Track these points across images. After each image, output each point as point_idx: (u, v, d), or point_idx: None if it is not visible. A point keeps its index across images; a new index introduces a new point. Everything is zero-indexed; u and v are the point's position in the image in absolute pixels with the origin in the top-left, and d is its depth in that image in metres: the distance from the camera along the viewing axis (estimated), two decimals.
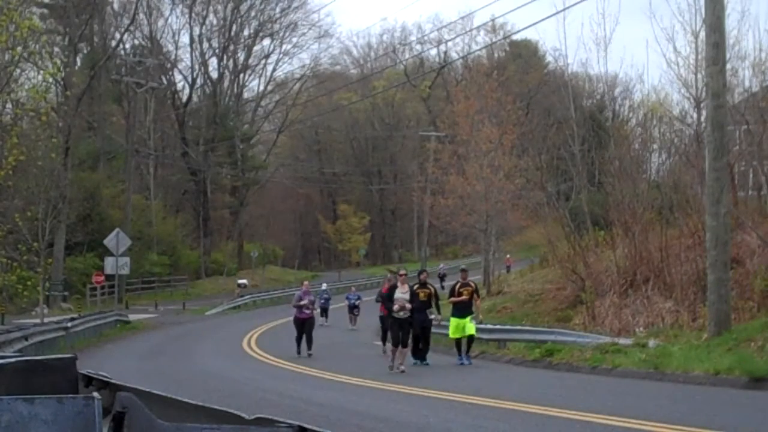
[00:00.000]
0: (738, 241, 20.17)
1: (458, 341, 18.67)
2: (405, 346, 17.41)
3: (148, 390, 3.36)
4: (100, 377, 3.75)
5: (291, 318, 40.30)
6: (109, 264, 35.60)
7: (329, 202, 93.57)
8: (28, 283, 25.89)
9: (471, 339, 18.69)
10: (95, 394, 3.26)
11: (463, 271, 20.04)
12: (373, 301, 35.87)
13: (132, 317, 35.90)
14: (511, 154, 38.19)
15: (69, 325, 24.38)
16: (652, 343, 16.53)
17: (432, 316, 18.46)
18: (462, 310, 18.64)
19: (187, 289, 57.91)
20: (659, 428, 8.70)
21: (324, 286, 37.35)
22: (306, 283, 22.89)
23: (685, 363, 14.15)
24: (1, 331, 19.45)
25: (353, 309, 33.67)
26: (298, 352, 21.34)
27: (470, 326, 18.57)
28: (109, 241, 35.07)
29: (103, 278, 41.27)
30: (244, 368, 18.87)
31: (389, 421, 10.12)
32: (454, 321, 18.74)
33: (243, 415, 2.85)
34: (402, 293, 17.68)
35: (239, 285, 56.13)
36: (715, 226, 16.39)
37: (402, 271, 19.50)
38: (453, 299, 18.86)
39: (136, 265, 45.72)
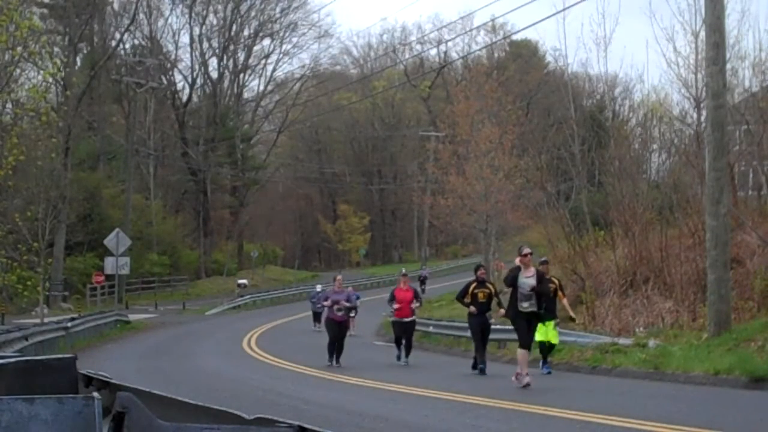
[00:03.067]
0: (738, 241, 20.17)
1: (542, 345, 15.89)
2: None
3: (148, 390, 3.36)
4: (100, 377, 3.75)
5: (291, 318, 39.95)
6: (109, 264, 35.60)
7: (329, 202, 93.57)
8: (28, 283, 25.88)
9: (552, 347, 16.16)
10: (95, 394, 3.26)
11: (544, 263, 16.47)
12: (373, 301, 35.83)
13: (132, 317, 35.88)
14: (511, 154, 38.16)
15: (69, 325, 24.37)
16: (652, 343, 16.53)
17: (491, 320, 16.74)
18: (546, 309, 15.24)
19: (187, 289, 57.90)
20: (659, 428, 8.70)
21: (318, 288, 34.65)
22: (339, 278, 19.54)
23: (685, 363, 14.15)
24: (1, 331, 19.44)
25: (350, 312, 31.93)
26: (331, 361, 18.31)
27: (553, 333, 15.90)
28: (109, 241, 35.06)
29: (103, 278, 41.28)
30: (244, 368, 18.86)
31: (389, 421, 10.12)
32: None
33: (243, 415, 2.85)
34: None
35: (239, 285, 56.12)
36: (715, 226, 16.39)
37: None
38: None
39: (136, 265, 45.71)
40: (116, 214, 51.83)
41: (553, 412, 10.09)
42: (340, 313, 18.14)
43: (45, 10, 52.63)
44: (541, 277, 13.41)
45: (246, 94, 78.22)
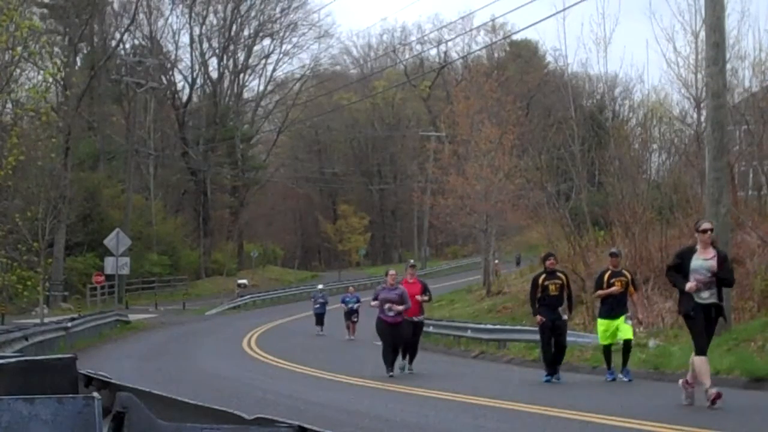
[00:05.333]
0: (738, 241, 20.18)
1: (608, 349, 14.08)
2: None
3: (148, 390, 3.36)
4: (100, 377, 3.75)
5: (291, 318, 39.86)
6: (109, 264, 35.62)
7: (329, 202, 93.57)
8: (28, 283, 25.89)
9: (628, 345, 13.91)
10: (95, 394, 3.25)
11: (614, 255, 14.34)
12: (372, 302, 35.62)
13: (132, 317, 35.89)
14: (511, 154, 38.21)
15: (69, 325, 24.38)
16: (652, 343, 16.52)
17: (565, 317, 14.53)
18: (613, 307, 13.93)
19: (187, 289, 57.90)
20: (659, 428, 8.70)
21: (320, 287, 32.76)
22: (392, 273, 16.38)
23: (685, 363, 14.13)
24: (1, 331, 19.46)
25: (351, 315, 28.32)
26: (390, 371, 15.42)
27: (625, 328, 13.91)
28: (109, 241, 35.07)
29: (103, 278, 41.28)
30: (244, 368, 18.86)
31: (389, 421, 10.11)
32: (603, 323, 14.10)
33: (243, 415, 2.85)
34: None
35: (239, 285, 56.14)
36: (715, 226, 16.38)
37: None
38: (600, 292, 14.03)
39: (136, 265, 45.72)
40: (116, 214, 51.83)
41: (553, 412, 10.09)
42: (391, 314, 15.52)
43: (45, 10, 52.64)
44: (723, 259, 10.34)
45: (246, 94, 78.33)
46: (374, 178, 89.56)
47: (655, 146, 37.40)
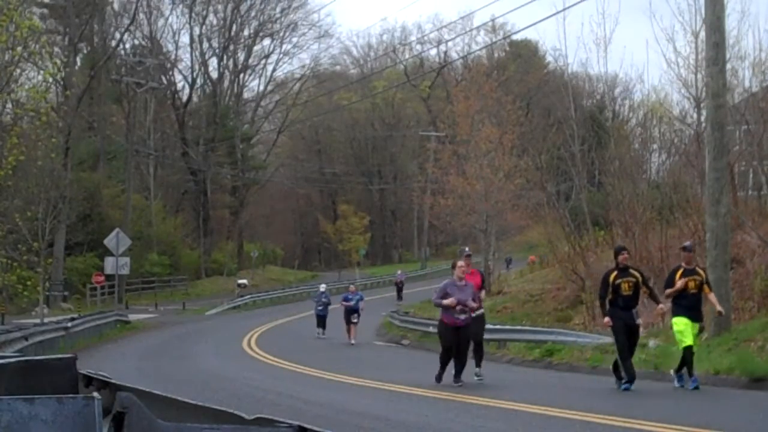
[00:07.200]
0: (738, 241, 20.18)
1: (689, 351, 12.38)
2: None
3: (148, 390, 3.36)
4: (100, 377, 3.75)
5: (291, 318, 39.68)
6: (109, 264, 35.60)
7: (329, 202, 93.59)
8: (28, 283, 25.90)
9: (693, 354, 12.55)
10: (95, 394, 3.26)
11: (687, 250, 12.87)
12: (373, 301, 35.55)
13: (132, 317, 35.89)
14: (511, 154, 38.21)
15: (69, 325, 24.38)
16: (652, 343, 16.51)
17: (639, 320, 12.89)
18: (691, 305, 12.50)
19: (187, 289, 57.90)
20: (659, 428, 8.69)
21: (322, 287, 30.88)
22: (460, 264, 13.69)
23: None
24: (1, 331, 19.45)
25: (352, 314, 26.45)
26: (439, 378, 13.57)
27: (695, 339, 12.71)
28: (109, 241, 35.06)
29: (103, 278, 41.28)
30: (244, 368, 18.86)
31: (389, 421, 10.11)
32: (681, 321, 12.51)
33: (243, 415, 2.85)
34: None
35: (239, 285, 56.09)
36: (715, 226, 16.40)
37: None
38: (670, 291, 12.63)
39: (136, 265, 45.73)
40: (116, 214, 51.85)
41: (553, 412, 10.09)
42: (463, 317, 13.09)
43: (45, 10, 52.69)
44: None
45: (246, 94, 78.36)
46: (374, 178, 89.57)
47: (655, 146, 37.49)
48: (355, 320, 26.42)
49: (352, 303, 26.65)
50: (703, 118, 24.92)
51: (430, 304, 37.65)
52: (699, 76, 25.34)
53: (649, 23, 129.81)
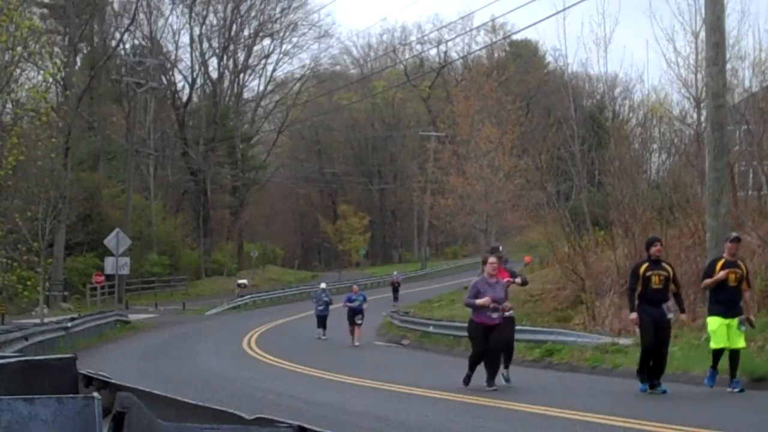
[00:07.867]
0: None
1: (719, 354, 11.71)
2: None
3: (148, 390, 3.36)
4: (100, 377, 3.75)
5: (291, 318, 39.60)
6: (109, 264, 35.59)
7: (329, 202, 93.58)
8: (28, 283, 25.90)
9: (737, 354, 11.71)
10: (95, 394, 3.26)
11: (734, 240, 11.95)
12: (373, 301, 35.40)
13: (132, 317, 35.89)
14: (511, 154, 38.25)
15: (69, 325, 24.38)
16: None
17: (670, 315, 12.06)
18: (729, 304, 11.65)
19: (187, 289, 57.90)
20: (659, 428, 8.69)
21: (323, 285, 30.00)
22: (492, 260, 12.94)
23: (685, 363, 14.16)
24: (1, 331, 19.45)
25: (355, 316, 25.44)
26: (467, 381, 12.98)
27: (738, 335, 11.67)
28: (109, 241, 35.06)
29: (103, 278, 41.28)
30: (244, 368, 18.86)
31: (389, 421, 10.11)
32: (715, 320, 11.69)
33: (243, 415, 2.85)
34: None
35: (239, 285, 56.07)
36: (715, 226, 16.40)
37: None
38: (709, 281, 11.78)
39: (136, 265, 45.72)
40: (116, 214, 51.85)
41: (553, 412, 10.09)
42: (495, 315, 12.46)
43: (45, 10, 52.68)
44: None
45: (246, 94, 78.34)
46: (374, 178, 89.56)
47: (655, 146, 37.46)
48: (359, 321, 25.37)
49: (355, 304, 25.72)
50: (703, 118, 24.89)
51: (430, 304, 37.84)
52: (699, 76, 25.30)
53: (649, 23, 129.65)
